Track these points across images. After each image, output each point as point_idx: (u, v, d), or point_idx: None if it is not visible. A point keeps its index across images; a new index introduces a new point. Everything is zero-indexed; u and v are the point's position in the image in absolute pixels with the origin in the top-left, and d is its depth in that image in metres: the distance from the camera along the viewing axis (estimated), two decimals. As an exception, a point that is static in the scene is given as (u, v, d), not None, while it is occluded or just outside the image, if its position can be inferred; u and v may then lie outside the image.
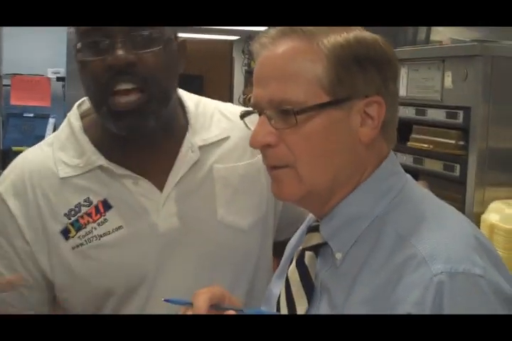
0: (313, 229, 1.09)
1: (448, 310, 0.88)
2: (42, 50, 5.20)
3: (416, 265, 0.92)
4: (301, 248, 1.09)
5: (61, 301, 1.36)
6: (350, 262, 1.01)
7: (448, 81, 2.04)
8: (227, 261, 1.35)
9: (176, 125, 1.36)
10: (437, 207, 1.04)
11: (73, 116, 1.37)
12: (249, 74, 7.05)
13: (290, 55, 1.00)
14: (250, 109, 1.06)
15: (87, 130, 1.34)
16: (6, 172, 1.36)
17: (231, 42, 6.99)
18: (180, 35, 1.34)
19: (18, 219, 1.31)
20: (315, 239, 1.07)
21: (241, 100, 6.76)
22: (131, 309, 1.30)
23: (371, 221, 1.02)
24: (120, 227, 1.29)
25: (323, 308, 1.02)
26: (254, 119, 1.06)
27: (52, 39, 5.11)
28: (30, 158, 1.37)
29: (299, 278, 1.06)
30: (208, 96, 1.48)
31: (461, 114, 1.97)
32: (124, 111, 1.22)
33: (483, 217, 1.87)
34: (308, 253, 1.07)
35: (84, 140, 1.33)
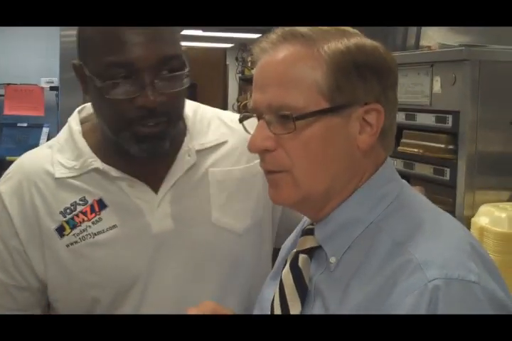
0: (307, 232, 1.09)
1: None
2: (35, 60, 5.20)
3: (411, 271, 0.92)
4: (295, 250, 1.09)
5: (52, 301, 1.36)
6: (345, 267, 1.01)
7: (437, 85, 2.05)
8: (220, 265, 1.35)
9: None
10: (433, 214, 1.04)
11: (73, 120, 1.40)
12: (243, 81, 7.08)
13: (290, 60, 1.00)
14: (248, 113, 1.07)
15: (85, 134, 1.36)
16: (8, 172, 1.39)
17: (224, 49, 7.02)
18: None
19: (14, 219, 1.32)
20: (309, 243, 1.07)
21: (235, 107, 6.78)
22: (124, 310, 1.31)
23: (366, 227, 1.02)
24: (114, 226, 1.30)
25: (316, 311, 1.02)
26: (252, 124, 1.06)
27: (45, 48, 5.11)
28: (30, 158, 1.39)
29: (292, 281, 1.06)
30: (202, 104, 1.49)
31: (450, 118, 1.98)
32: (148, 139, 1.25)
33: (473, 220, 1.88)
34: (302, 256, 1.06)
35: (82, 143, 1.35)
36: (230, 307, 1.22)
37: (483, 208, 1.88)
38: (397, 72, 1.06)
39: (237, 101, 6.94)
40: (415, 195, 1.08)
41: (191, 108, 1.42)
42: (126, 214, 1.31)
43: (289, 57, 1.00)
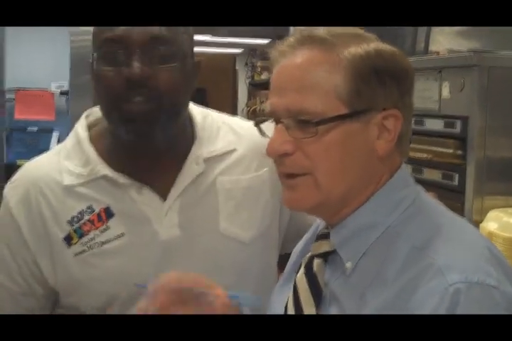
0: (323, 236, 1.08)
1: None
2: (45, 64, 5.23)
3: (432, 275, 0.91)
4: (309, 255, 1.09)
5: (60, 307, 1.36)
6: (361, 272, 1.00)
7: (445, 91, 2.05)
8: (227, 273, 1.34)
9: (184, 137, 1.37)
10: (450, 219, 1.03)
11: (80, 126, 1.39)
12: (252, 86, 7.08)
13: (309, 65, 0.99)
14: (262, 118, 1.07)
15: (93, 140, 1.36)
16: (14, 179, 1.38)
17: (234, 55, 7.03)
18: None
19: (22, 227, 1.32)
20: (324, 247, 1.06)
21: (245, 112, 6.78)
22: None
23: (383, 231, 1.01)
24: (122, 235, 1.30)
25: None
26: (265, 127, 1.06)
27: (55, 53, 5.14)
28: (36, 166, 1.38)
29: (307, 285, 1.05)
30: (212, 109, 1.49)
31: (458, 123, 1.98)
32: (135, 118, 1.24)
33: (482, 225, 1.87)
34: (316, 261, 1.06)
35: (90, 150, 1.34)
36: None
37: (492, 213, 1.88)
38: (414, 77, 1.06)
39: (247, 106, 6.94)
40: (430, 200, 1.07)
41: (201, 114, 1.41)
42: (134, 222, 1.31)
43: (308, 62, 1.00)
